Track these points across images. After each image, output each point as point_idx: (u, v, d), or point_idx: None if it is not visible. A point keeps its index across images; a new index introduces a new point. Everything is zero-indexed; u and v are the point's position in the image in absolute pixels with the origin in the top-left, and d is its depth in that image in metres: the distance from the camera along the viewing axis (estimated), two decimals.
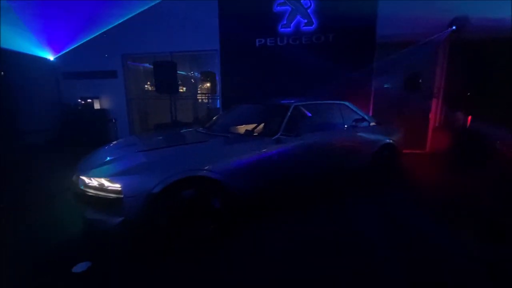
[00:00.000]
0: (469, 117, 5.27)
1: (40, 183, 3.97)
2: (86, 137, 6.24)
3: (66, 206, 2.77)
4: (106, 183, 2.07)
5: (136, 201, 2.03)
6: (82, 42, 6.69)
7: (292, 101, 3.18)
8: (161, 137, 3.23)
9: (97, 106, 7.19)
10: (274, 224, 2.75)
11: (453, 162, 4.63)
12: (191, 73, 9.20)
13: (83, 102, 7.04)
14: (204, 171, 2.26)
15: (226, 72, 6.40)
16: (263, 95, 5.36)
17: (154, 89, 5.91)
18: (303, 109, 3.62)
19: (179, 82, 7.75)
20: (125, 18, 6.57)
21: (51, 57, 6.86)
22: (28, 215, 2.94)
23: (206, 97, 7.86)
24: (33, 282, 1.96)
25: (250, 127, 3.13)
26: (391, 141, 3.77)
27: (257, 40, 6.14)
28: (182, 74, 9.24)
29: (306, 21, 5.85)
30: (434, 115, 5.81)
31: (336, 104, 3.59)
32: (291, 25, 5.94)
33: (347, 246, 2.36)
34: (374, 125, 3.78)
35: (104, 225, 2.11)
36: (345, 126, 3.47)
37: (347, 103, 3.64)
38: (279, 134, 2.78)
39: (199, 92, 8.45)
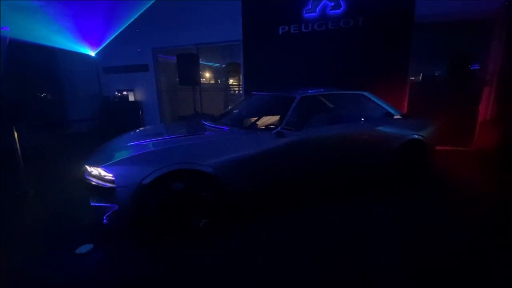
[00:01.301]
0: None
1: (68, 171, 4.40)
2: (121, 127, 6.74)
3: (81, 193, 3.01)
4: (102, 172, 2.18)
5: (127, 191, 2.10)
6: (113, 37, 7.16)
7: (300, 91, 2.96)
8: (163, 129, 3.28)
9: (131, 98, 7.69)
10: (268, 223, 2.62)
11: (502, 163, 3.93)
12: (223, 65, 9.28)
13: (119, 94, 7.58)
14: (196, 165, 2.24)
15: (249, 63, 6.29)
16: (286, 85, 5.15)
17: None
18: (323, 99, 3.40)
19: (211, 74, 7.92)
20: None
21: (92, 53, 7.47)
22: (49, 202, 3.27)
23: (235, 88, 7.86)
24: (41, 260, 2.18)
25: (259, 119, 3.03)
26: (418, 136, 3.32)
27: (280, 27, 5.88)
28: (214, 65, 9.42)
29: (333, 4, 5.40)
30: (485, 106, 4.97)
31: (353, 94, 3.27)
32: (317, 9, 5.54)
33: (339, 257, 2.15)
34: (398, 118, 3.37)
35: (104, 212, 2.23)
36: (362, 119, 3.15)
37: (366, 93, 3.28)
38: (279, 128, 2.62)
39: (229, 83, 8.52)
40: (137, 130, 3.36)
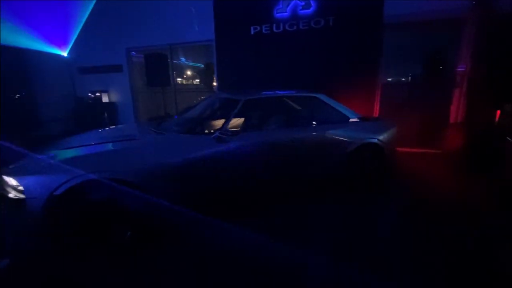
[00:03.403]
0: (498, 111, 4.32)
1: None
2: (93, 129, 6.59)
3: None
4: (14, 182, 2.03)
5: (37, 203, 1.95)
6: (76, 35, 7.01)
7: (248, 94, 2.83)
8: (100, 134, 3.10)
9: (105, 99, 7.51)
10: (202, 234, 2.45)
11: (468, 164, 3.84)
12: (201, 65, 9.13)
13: (92, 95, 7.40)
14: (116, 173, 2.10)
15: (222, 63, 6.15)
16: (257, 86, 5.03)
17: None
18: (288, 101, 3.26)
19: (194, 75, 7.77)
20: None
21: (64, 53, 7.29)
22: None
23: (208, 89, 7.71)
24: None
25: (208, 122, 2.90)
26: (374, 140, 3.21)
27: (252, 27, 5.75)
28: (197, 66, 9.25)
29: (303, 3, 5.28)
30: (456, 108, 4.89)
31: (306, 97, 3.15)
32: (287, 9, 5.41)
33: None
34: (354, 122, 3.25)
35: (18, 224, 2.09)
36: (314, 122, 3.03)
37: (320, 96, 3.16)
38: (218, 132, 2.49)
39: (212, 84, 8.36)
40: (82, 134, 3.21)
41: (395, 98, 5.23)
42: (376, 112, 5.11)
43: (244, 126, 2.64)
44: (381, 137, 3.26)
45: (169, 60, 6.38)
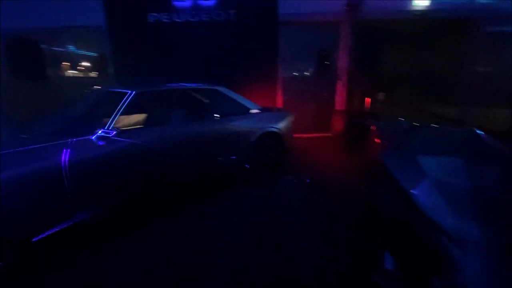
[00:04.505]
0: (368, 99, 5.34)
1: None
2: None
3: None
4: None
5: None
6: None
7: (140, 86, 2.56)
8: None
9: None
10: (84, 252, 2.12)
11: (346, 146, 4.61)
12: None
13: None
14: None
15: (118, 53, 5.45)
16: (159, 78, 4.62)
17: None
18: (187, 94, 3.06)
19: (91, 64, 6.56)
20: None
21: None
22: None
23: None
24: None
25: (91, 120, 2.47)
26: (275, 129, 3.46)
27: (150, 15, 5.27)
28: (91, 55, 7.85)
29: None
30: (340, 98, 5.78)
31: (206, 89, 3.10)
32: None
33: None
34: (255, 113, 3.41)
35: None
36: (216, 115, 3.03)
37: (220, 88, 3.17)
38: (102, 131, 2.17)
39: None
40: None
41: (295, 90, 5.76)
42: (279, 104, 5.55)
43: (137, 122, 2.39)
44: (279, 126, 3.54)
45: (44, 47, 5.21)
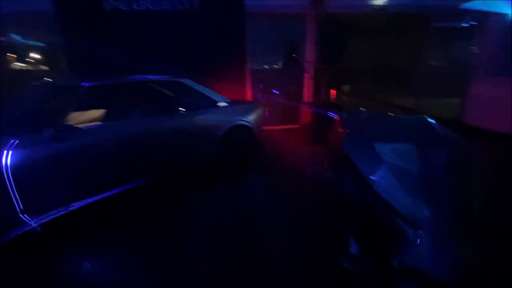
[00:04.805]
0: (332, 91, 5.52)
1: None
2: None
3: None
4: None
5: None
6: None
7: (91, 79, 2.35)
8: None
9: None
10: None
11: (314, 137, 4.74)
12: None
13: None
14: None
15: (68, 42, 4.96)
16: (119, 71, 4.31)
17: None
18: (148, 87, 2.87)
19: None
20: None
21: None
22: None
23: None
24: None
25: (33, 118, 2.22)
26: (244, 122, 3.42)
27: (106, 2, 4.87)
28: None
29: None
30: (307, 90, 5.89)
31: (168, 82, 2.95)
32: None
33: None
34: (223, 106, 3.34)
35: None
36: (180, 109, 2.90)
37: (184, 80, 3.03)
38: (49, 129, 1.96)
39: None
40: None
41: (264, 83, 5.75)
42: (248, 96, 5.52)
43: (91, 118, 2.20)
44: (249, 119, 3.50)
45: None
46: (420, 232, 1.15)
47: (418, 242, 1.16)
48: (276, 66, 6.12)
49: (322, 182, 2.71)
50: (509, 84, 4.60)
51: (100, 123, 2.23)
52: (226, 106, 3.38)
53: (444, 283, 1.13)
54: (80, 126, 2.16)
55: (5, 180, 1.74)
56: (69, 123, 2.09)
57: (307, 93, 5.81)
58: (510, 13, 4.59)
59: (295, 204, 2.68)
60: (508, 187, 2.84)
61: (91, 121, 2.42)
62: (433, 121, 1.67)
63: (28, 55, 7.05)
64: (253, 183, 3.25)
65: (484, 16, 5.14)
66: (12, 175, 1.77)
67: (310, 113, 5.37)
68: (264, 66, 6.23)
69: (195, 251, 2.01)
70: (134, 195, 2.56)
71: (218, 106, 3.27)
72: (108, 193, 2.33)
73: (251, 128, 3.52)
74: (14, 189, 1.78)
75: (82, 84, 2.23)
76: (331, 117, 3.03)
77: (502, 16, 4.75)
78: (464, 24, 5.88)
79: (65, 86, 2.29)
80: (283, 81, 5.80)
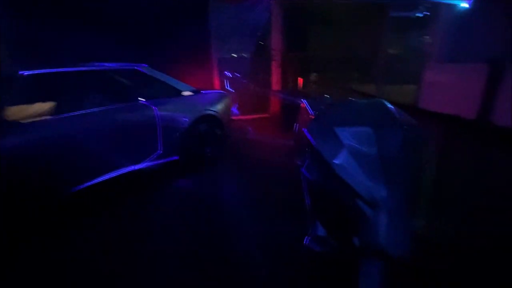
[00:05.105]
0: (300, 79, 5.57)
1: None
2: None
3: None
4: None
5: None
6: None
7: (31, 69, 2.07)
8: None
9: None
10: None
11: (283, 125, 4.77)
12: None
13: None
14: None
15: (9, 25, 4.35)
16: (72, 58, 3.89)
17: None
18: (96, 76, 2.56)
19: None
20: None
21: None
22: None
23: None
24: None
25: None
26: (211, 112, 3.30)
27: None
28: None
29: None
30: (275, 78, 5.88)
31: (122, 70, 2.71)
32: None
33: None
34: (188, 95, 3.19)
35: None
36: (140, 99, 2.71)
37: (141, 68, 2.81)
38: None
39: None
40: None
41: (233, 71, 5.61)
42: (216, 85, 5.36)
43: (34, 112, 1.95)
44: (216, 108, 3.39)
45: None
46: (378, 211, 1.20)
47: (376, 221, 1.20)
48: (244, 55, 5.97)
49: (291, 169, 2.73)
50: (458, 70, 5.01)
51: (44, 117, 1.98)
52: (192, 95, 3.24)
53: (400, 257, 1.19)
54: (21, 121, 1.91)
55: None
56: (9, 118, 1.84)
57: (276, 81, 5.80)
58: (459, 3, 4.93)
59: (264, 192, 2.69)
60: (454, 161, 3.15)
61: (38, 115, 2.15)
62: (390, 105, 1.73)
63: None
64: (221, 173, 3.20)
65: (436, 7, 5.48)
66: None
67: (278, 101, 5.38)
68: (232, 55, 6.06)
69: (159, 245, 1.93)
70: (92, 193, 2.37)
71: (182, 96, 3.12)
72: (60, 195, 2.13)
73: (219, 118, 3.43)
74: None
75: (20, 73, 1.97)
76: (299, 104, 3.06)
77: (452, 6, 5.09)
78: (418, 14, 6.22)
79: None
80: (251, 69, 5.70)
